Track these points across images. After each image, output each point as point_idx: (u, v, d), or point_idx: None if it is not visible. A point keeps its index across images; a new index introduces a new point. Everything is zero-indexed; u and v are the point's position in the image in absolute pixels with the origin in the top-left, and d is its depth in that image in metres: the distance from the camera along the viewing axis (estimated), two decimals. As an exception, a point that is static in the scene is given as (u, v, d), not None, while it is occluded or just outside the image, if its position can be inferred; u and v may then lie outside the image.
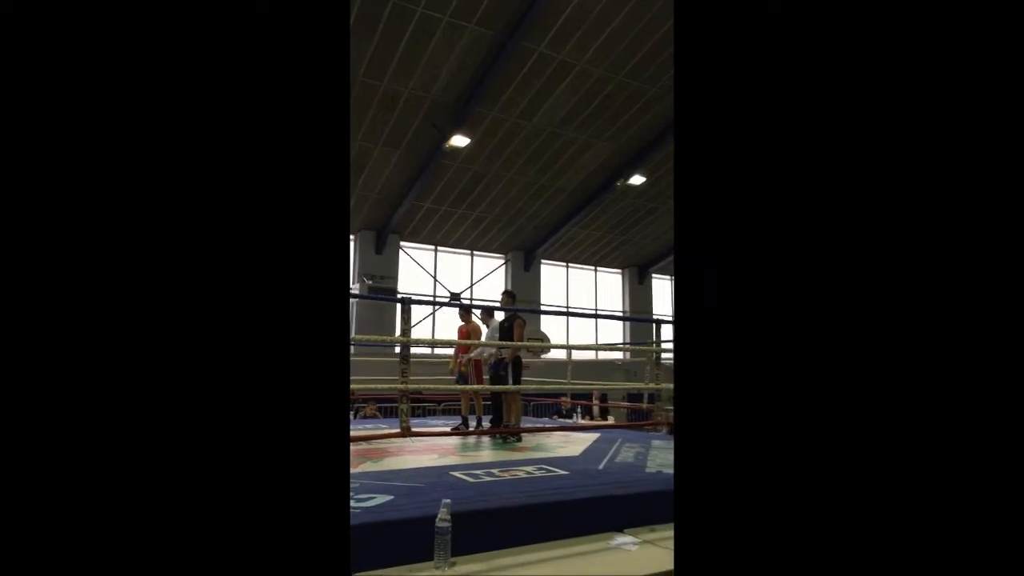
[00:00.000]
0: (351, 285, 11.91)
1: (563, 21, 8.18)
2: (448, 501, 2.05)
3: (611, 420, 8.66)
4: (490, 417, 5.14)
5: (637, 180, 11.67)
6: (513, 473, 3.19)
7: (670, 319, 5.70)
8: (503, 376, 4.79)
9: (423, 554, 2.04)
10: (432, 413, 8.92)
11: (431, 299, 12.90)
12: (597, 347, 13.68)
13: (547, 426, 6.18)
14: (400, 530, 2.13)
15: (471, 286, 13.67)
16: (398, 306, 3.66)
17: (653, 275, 15.87)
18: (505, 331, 4.89)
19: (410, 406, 3.67)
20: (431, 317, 12.71)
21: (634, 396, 9.39)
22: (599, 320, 15.84)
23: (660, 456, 3.88)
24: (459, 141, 9.68)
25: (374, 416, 8.15)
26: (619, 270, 15.73)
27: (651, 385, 5.69)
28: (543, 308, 13.91)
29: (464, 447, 4.52)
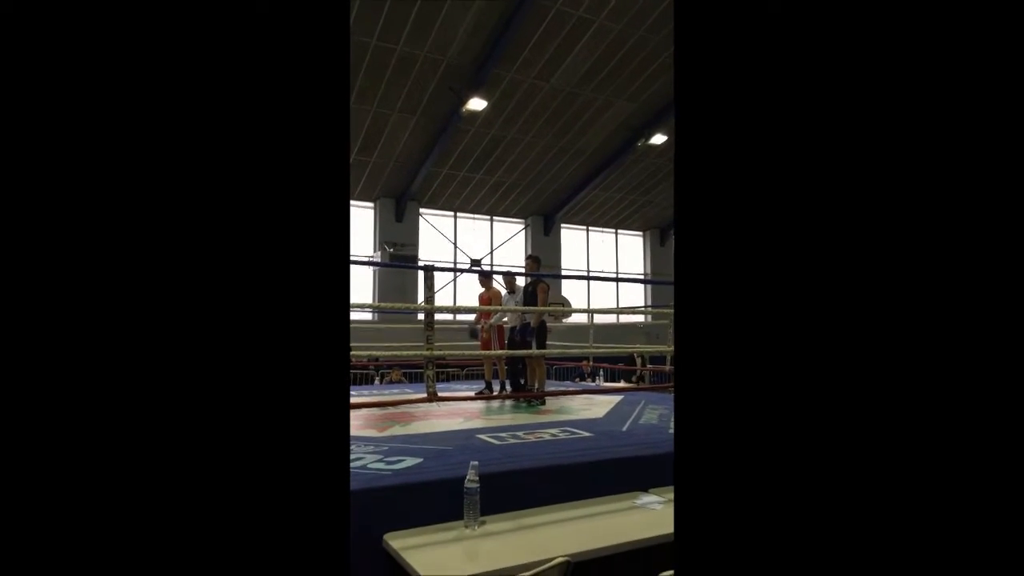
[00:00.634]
0: (373, 253, 12.02)
1: (580, -25, 7.95)
2: (476, 463, 2.09)
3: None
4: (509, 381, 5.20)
5: (658, 139, 11.40)
6: (538, 435, 3.24)
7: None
8: (528, 341, 4.81)
9: (453, 514, 2.10)
10: (456, 378, 9.06)
11: (452, 266, 12.94)
12: (618, 311, 13.65)
13: (570, 389, 6.24)
14: (430, 491, 2.19)
15: (491, 251, 13.66)
16: (420, 273, 3.68)
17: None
18: (529, 295, 4.91)
19: (435, 371, 3.73)
20: (452, 284, 12.78)
21: (656, 359, 9.41)
22: (620, 283, 15.75)
23: (684, 417, 3.89)
24: (476, 105, 9.55)
25: (400, 381, 8.31)
26: (640, 232, 15.54)
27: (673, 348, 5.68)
28: (564, 273, 13.87)
29: (488, 411, 4.59)
